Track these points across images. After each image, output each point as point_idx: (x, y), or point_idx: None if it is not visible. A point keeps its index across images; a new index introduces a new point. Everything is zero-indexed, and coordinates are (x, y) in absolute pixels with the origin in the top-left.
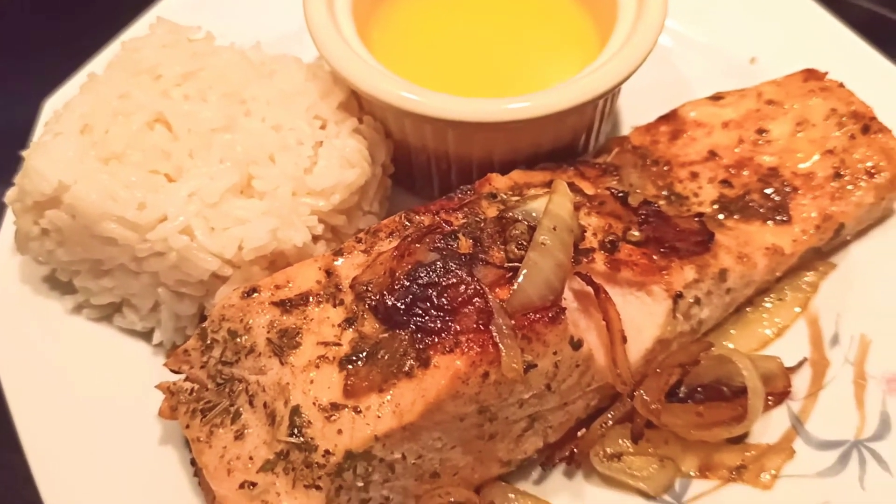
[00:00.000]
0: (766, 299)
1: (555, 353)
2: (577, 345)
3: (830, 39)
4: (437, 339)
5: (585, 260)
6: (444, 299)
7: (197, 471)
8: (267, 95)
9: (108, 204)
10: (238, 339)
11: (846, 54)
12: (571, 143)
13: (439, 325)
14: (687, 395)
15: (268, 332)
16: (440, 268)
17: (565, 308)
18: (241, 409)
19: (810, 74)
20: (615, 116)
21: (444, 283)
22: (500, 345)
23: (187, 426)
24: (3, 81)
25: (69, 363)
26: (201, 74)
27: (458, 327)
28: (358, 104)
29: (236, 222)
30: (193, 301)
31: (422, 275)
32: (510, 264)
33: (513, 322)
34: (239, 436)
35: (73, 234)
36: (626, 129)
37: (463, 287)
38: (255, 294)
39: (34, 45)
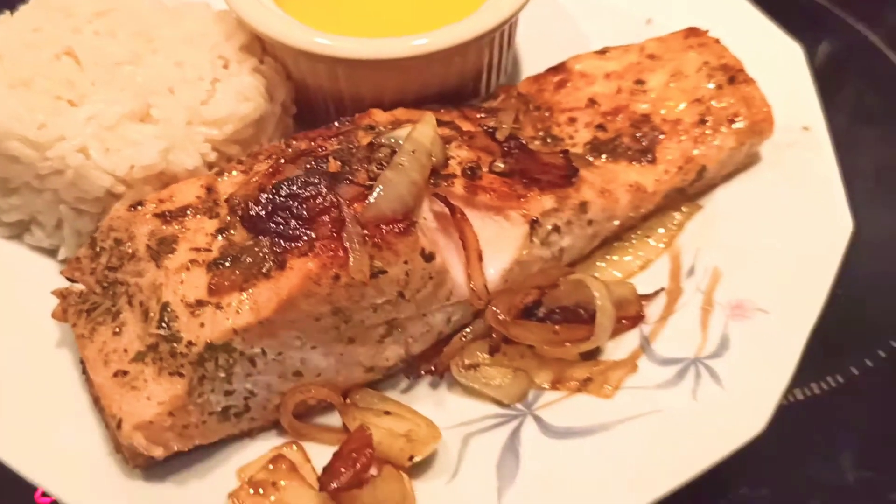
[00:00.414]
0: (634, 235)
1: (406, 263)
2: (428, 257)
3: (723, 3)
4: (294, 245)
5: (445, 183)
6: (303, 209)
7: (84, 367)
8: (174, 35)
9: (11, 124)
10: (122, 247)
11: (736, 17)
12: (459, 87)
13: (297, 233)
14: (546, 315)
15: (148, 240)
16: (302, 182)
17: (416, 222)
18: (120, 308)
19: (691, 32)
20: (513, 72)
21: (304, 196)
22: (349, 249)
23: (74, 325)
24: None
25: None
26: (113, 14)
27: (313, 234)
28: (262, 48)
29: (131, 144)
30: (92, 218)
31: (285, 187)
32: (370, 182)
33: (365, 231)
34: (117, 332)
35: None
36: None
37: (321, 199)
38: (140, 207)
39: None
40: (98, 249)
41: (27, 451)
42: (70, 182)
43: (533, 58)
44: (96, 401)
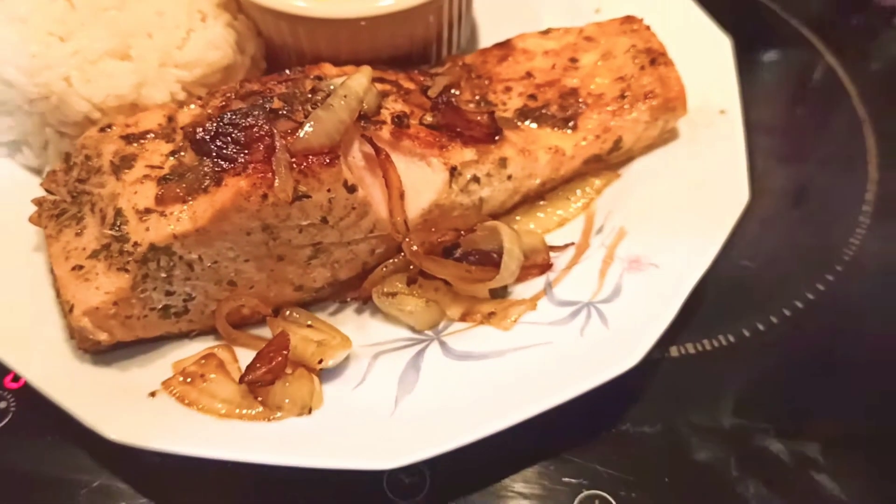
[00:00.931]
0: (556, 196)
1: (329, 191)
2: (351, 188)
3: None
4: (230, 166)
5: (374, 128)
6: (241, 136)
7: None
8: None
9: (8, 52)
10: (90, 162)
11: (676, 10)
12: (409, 52)
13: (234, 156)
14: (462, 256)
15: (112, 157)
16: (244, 113)
17: (340, 156)
18: (84, 214)
19: (627, 20)
20: (468, 48)
21: (243, 125)
22: (276, 172)
23: (46, 227)
24: None
25: None
26: None
27: (248, 158)
28: (237, 6)
29: (108, 77)
30: (73, 141)
31: (228, 116)
32: (304, 120)
33: (293, 159)
34: (79, 233)
35: None
36: None
37: (258, 129)
38: (109, 129)
39: None
40: (71, 164)
41: None
42: (54, 106)
43: (489, 38)
44: (58, 293)
